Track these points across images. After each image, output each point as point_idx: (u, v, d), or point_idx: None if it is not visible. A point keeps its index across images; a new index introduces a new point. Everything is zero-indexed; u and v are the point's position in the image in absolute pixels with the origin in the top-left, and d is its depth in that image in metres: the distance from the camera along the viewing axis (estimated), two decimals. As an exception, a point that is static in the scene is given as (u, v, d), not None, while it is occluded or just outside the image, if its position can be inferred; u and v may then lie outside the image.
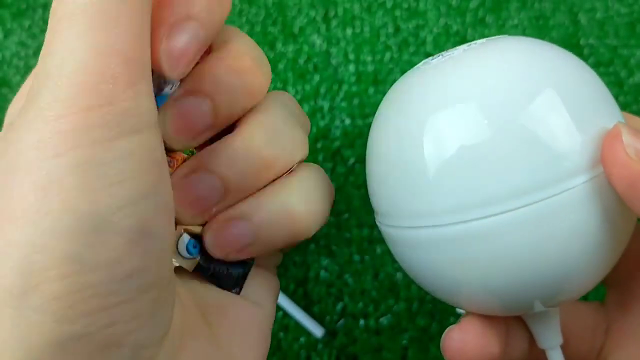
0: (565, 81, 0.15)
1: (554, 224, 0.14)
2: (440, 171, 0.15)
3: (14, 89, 0.36)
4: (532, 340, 0.19)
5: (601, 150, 0.14)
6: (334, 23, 0.37)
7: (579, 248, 0.15)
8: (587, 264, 0.15)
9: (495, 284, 0.15)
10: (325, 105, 0.35)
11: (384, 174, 0.17)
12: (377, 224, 0.18)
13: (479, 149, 0.14)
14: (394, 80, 0.21)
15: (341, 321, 0.31)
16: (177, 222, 0.18)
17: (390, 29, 0.37)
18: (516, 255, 0.15)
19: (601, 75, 0.37)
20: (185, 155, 0.18)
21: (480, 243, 0.15)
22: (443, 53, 0.17)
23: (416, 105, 0.16)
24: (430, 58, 0.17)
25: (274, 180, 0.18)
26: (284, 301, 0.30)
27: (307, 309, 0.31)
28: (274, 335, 0.30)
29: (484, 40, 0.17)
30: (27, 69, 0.36)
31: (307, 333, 0.30)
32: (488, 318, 0.18)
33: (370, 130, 0.18)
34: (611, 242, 0.15)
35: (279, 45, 0.37)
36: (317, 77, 0.36)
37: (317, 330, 0.30)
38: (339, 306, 0.31)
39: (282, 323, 0.31)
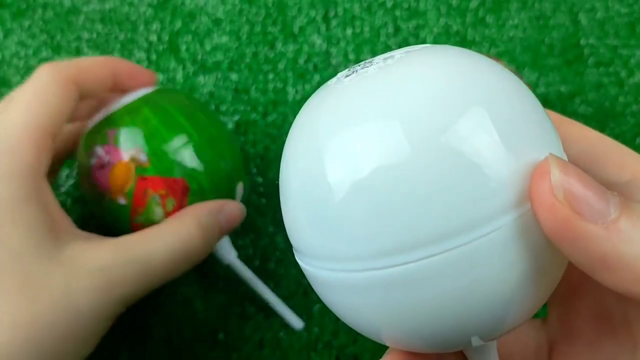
0: (494, 102, 0.13)
1: (483, 266, 0.13)
2: (350, 215, 0.13)
3: (13, 88, 0.36)
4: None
5: (529, 189, 0.13)
6: (334, 23, 0.37)
7: (512, 287, 0.13)
8: (524, 300, 0.14)
9: (423, 330, 0.14)
10: (325, 105, 0.35)
11: (295, 209, 0.15)
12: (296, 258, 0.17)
13: (392, 189, 0.13)
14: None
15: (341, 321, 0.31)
16: None
17: (390, 29, 0.37)
18: (444, 301, 0.13)
19: (601, 75, 0.37)
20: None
21: (401, 290, 0.13)
22: (358, 68, 0.15)
23: (323, 137, 0.14)
24: (345, 73, 0.15)
25: None
26: (266, 292, 0.30)
27: (307, 309, 0.31)
28: (273, 335, 0.30)
29: (403, 52, 0.15)
30: (27, 69, 0.36)
31: (308, 332, 0.30)
32: (416, 354, 0.16)
33: (282, 155, 0.16)
34: (548, 274, 0.14)
35: (279, 45, 0.37)
36: (317, 77, 0.36)
37: (296, 322, 0.30)
38: (339, 306, 0.31)
39: (282, 323, 0.31)
